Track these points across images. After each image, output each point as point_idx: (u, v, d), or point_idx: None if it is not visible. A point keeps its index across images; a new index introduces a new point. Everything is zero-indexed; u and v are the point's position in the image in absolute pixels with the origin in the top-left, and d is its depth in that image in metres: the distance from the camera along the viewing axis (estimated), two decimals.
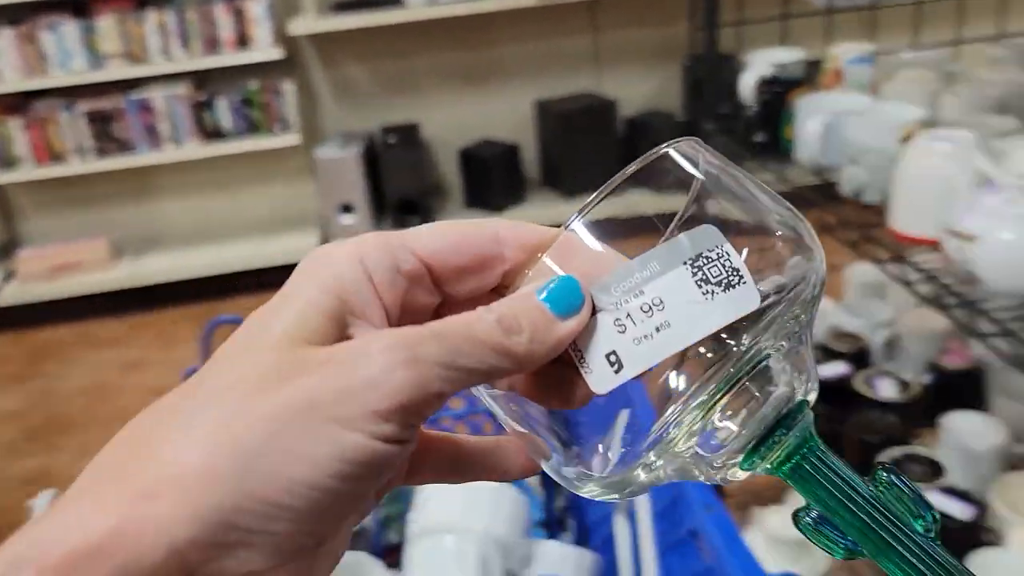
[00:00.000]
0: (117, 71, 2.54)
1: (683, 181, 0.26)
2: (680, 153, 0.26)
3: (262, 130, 2.67)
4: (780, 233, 0.26)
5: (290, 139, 2.66)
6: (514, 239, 0.27)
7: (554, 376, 0.26)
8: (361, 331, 0.24)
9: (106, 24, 2.51)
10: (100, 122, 2.60)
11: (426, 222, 0.27)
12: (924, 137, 0.99)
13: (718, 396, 0.25)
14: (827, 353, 1.42)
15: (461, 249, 0.27)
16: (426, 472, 0.29)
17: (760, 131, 1.30)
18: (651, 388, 0.26)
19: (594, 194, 0.26)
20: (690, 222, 0.25)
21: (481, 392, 0.28)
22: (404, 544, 0.76)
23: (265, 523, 0.22)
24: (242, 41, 2.56)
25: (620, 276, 0.25)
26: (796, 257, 0.26)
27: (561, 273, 0.25)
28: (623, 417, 0.26)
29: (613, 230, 0.26)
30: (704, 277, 0.25)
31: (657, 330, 0.24)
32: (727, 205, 0.26)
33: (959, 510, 1.07)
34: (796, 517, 0.27)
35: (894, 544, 0.25)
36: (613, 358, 0.25)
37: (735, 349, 0.25)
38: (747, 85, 1.35)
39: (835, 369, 1.36)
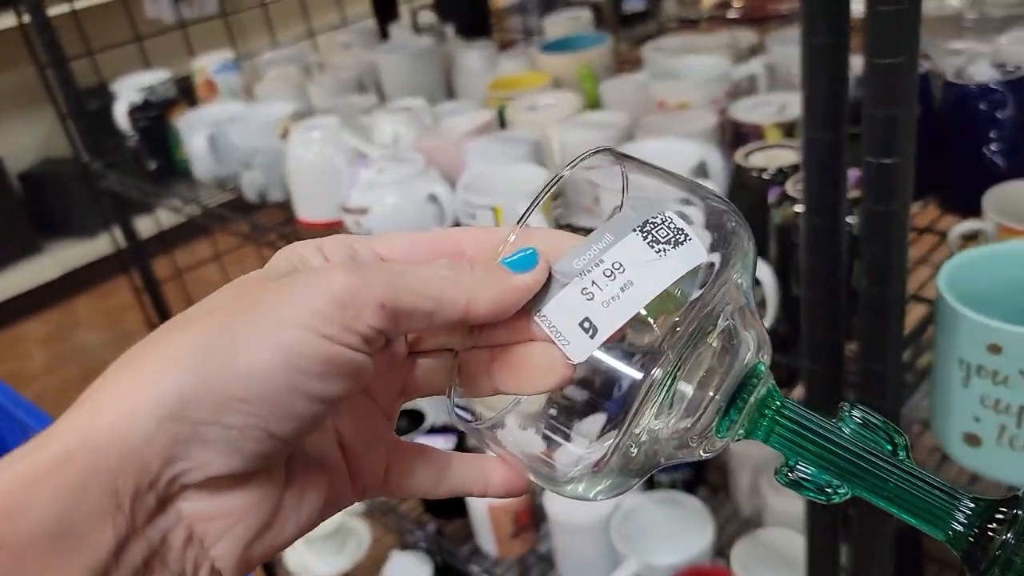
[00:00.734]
0: None
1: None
2: (601, 159, 0.29)
3: None
4: (707, 205, 0.28)
5: None
6: (472, 240, 0.29)
7: (527, 361, 0.27)
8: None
9: None
10: None
11: None
12: (298, 129, 1.04)
13: (688, 348, 0.26)
14: None
15: (418, 247, 0.28)
16: (408, 479, 0.30)
17: (150, 159, 1.25)
18: (624, 362, 0.26)
19: (536, 196, 0.28)
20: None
21: (467, 426, 0.29)
22: None
23: (216, 413, 0.23)
24: None
25: (579, 251, 0.27)
26: (727, 223, 0.28)
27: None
28: (604, 389, 0.27)
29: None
30: (654, 239, 0.27)
31: (622, 290, 0.26)
32: (656, 190, 0.29)
33: None
34: (777, 475, 0.28)
35: (880, 475, 0.26)
36: (587, 324, 0.26)
37: (696, 306, 0.26)
38: (121, 114, 1.28)
39: None
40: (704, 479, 1.13)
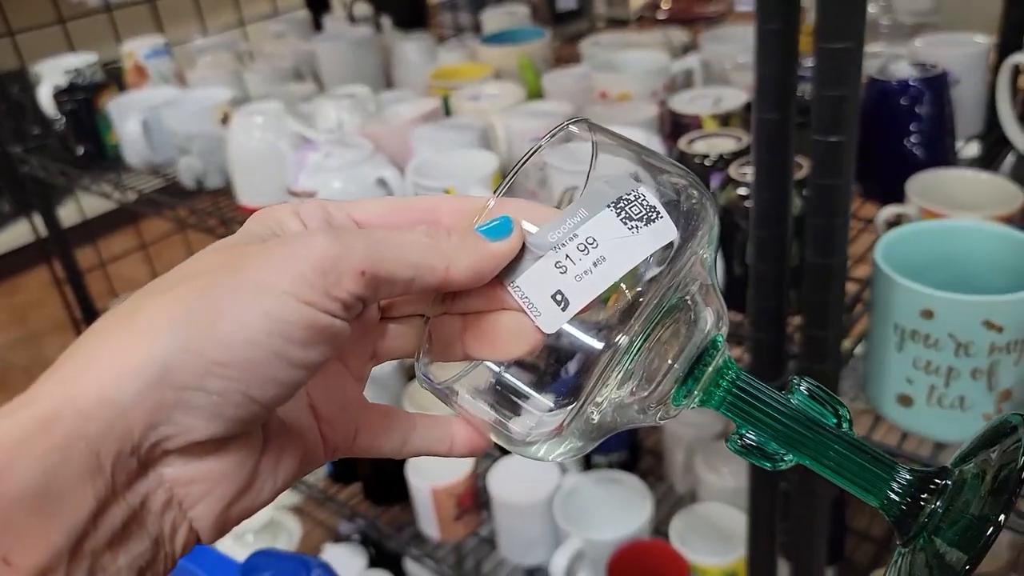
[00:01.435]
0: None
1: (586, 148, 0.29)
2: (578, 128, 0.30)
3: None
4: (676, 182, 0.29)
5: None
6: (449, 208, 0.29)
7: (497, 329, 0.27)
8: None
9: None
10: None
11: None
12: (240, 114, 1.03)
13: (654, 323, 0.27)
14: None
15: (396, 213, 0.29)
16: (376, 441, 0.31)
17: (79, 143, 1.22)
18: (590, 334, 0.27)
19: (515, 165, 0.29)
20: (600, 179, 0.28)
21: (433, 388, 0.29)
22: None
23: (200, 379, 0.23)
24: None
25: (554, 225, 0.27)
26: (694, 201, 0.29)
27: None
28: (571, 359, 0.27)
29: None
30: (628, 215, 0.27)
31: (595, 264, 0.27)
32: (628, 164, 0.29)
33: None
34: (728, 442, 0.29)
35: (824, 445, 0.28)
36: (559, 296, 0.27)
37: (663, 282, 0.27)
38: (46, 97, 1.24)
39: None
40: (640, 459, 1.17)
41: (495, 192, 0.29)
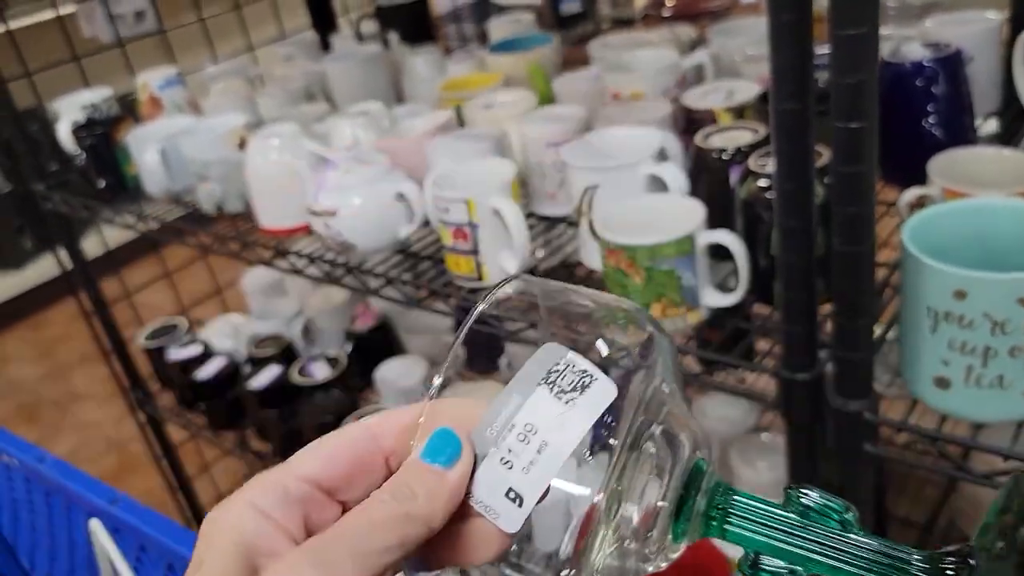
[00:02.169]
0: None
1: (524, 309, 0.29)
2: (514, 288, 0.30)
3: None
4: (622, 323, 0.29)
5: None
6: (388, 428, 0.29)
7: (464, 538, 0.27)
8: (272, 565, 0.25)
9: None
10: None
11: None
12: (256, 137, 1.04)
13: (622, 472, 0.27)
14: (255, 363, 1.44)
15: (338, 458, 0.28)
16: None
17: (100, 176, 1.23)
18: (561, 509, 0.26)
19: (448, 356, 0.28)
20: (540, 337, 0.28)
21: None
22: None
23: None
24: None
25: (489, 419, 0.27)
26: (645, 331, 0.29)
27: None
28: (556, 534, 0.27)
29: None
30: (560, 389, 0.27)
31: (539, 452, 0.26)
32: (565, 313, 0.29)
33: None
34: (739, 568, 0.28)
35: (833, 556, 0.27)
36: (512, 494, 0.26)
37: (621, 435, 0.27)
38: (65, 133, 1.26)
39: (270, 374, 1.40)
40: None
41: (429, 396, 0.28)
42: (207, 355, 1.47)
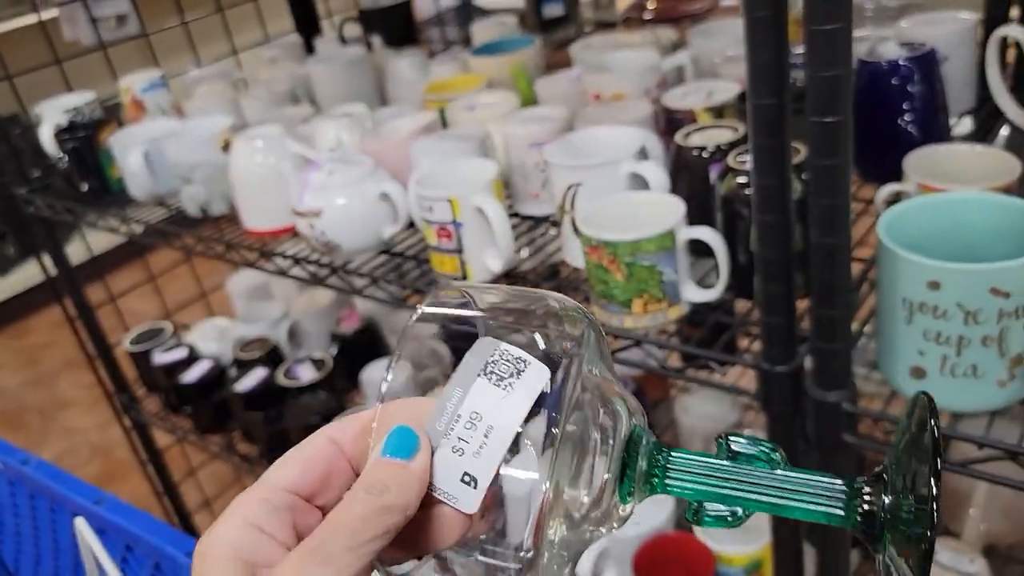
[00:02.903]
0: None
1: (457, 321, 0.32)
2: (434, 305, 0.32)
3: None
4: (549, 313, 0.31)
5: None
6: (346, 433, 0.32)
7: (429, 525, 0.29)
8: (274, 569, 0.27)
9: None
10: None
11: None
12: (240, 139, 1.05)
13: (565, 455, 0.29)
14: (241, 365, 1.44)
15: (311, 465, 0.31)
16: None
17: (83, 180, 1.23)
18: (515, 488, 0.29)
19: (389, 365, 0.31)
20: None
21: None
22: None
23: None
24: None
25: (437, 414, 0.29)
26: (567, 322, 0.31)
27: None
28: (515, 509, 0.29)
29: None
30: (498, 376, 0.29)
31: (486, 436, 0.29)
32: (498, 316, 0.32)
33: None
34: (686, 515, 0.31)
35: (763, 492, 0.30)
36: (467, 478, 0.29)
37: (561, 415, 0.29)
38: (47, 137, 1.26)
39: (256, 376, 1.40)
40: None
41: (379, 400, 0.31)
42: (193, 359, 1.47)
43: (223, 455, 1.46)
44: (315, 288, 1.55)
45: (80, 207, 1.24)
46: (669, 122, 0.94)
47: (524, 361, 0.30)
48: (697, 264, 0.80)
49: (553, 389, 0.29)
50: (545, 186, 0.92)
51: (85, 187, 1.24)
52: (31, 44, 1.38)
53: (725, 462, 0.31)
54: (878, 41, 0.92)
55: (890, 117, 0.86)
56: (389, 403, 0.31)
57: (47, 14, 1.41)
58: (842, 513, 0.29)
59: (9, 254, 2.88)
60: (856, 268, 0.77)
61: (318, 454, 0.31)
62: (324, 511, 0.30)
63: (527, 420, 0.29)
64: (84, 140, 1.21)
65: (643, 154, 0.85)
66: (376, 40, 1.46)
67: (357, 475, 0.31)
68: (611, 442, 0.31)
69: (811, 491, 0.30)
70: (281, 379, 1.39)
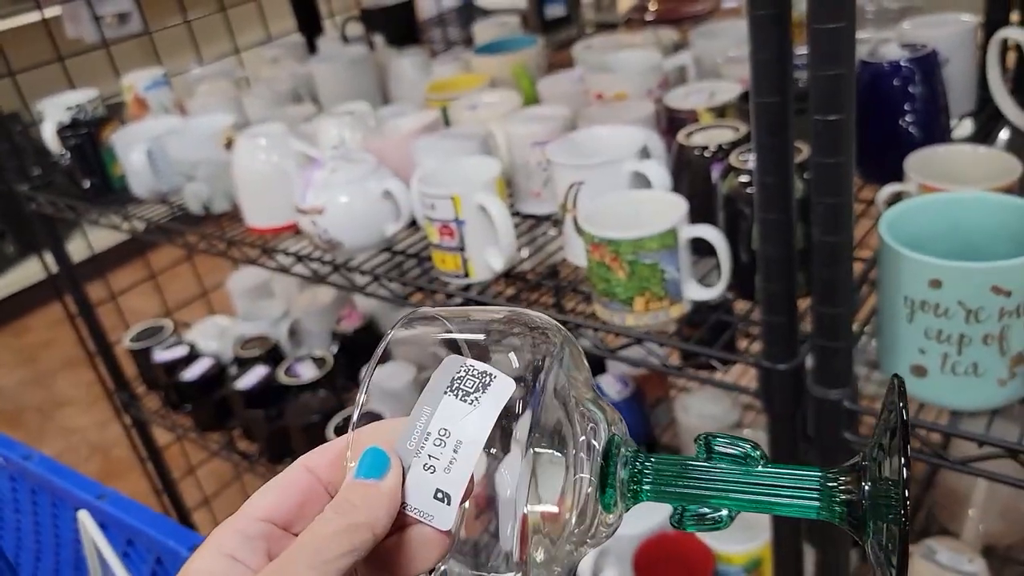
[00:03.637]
0: None
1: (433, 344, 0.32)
2: (404, 328, 0.32)
3: None
4: (519, 329, 0.32)
5: None
6: (322, 461, 0.32)
7: (407, 547, 0.29)
8: None
9: None
10: None
11: None
12: (243, 137, 1.05)
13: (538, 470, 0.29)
14: (242, 363, 1.44)
15: (287, 494, 0.31)
16: None
17: (85, 177, 1.23)
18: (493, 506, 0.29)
19: (359, 392, 0.31)
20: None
21: None
22: None
23: None
24: None
25: (407, 434, 0.30)
26: (537, 334, 0.31)
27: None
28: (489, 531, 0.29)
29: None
30: (464, 392, 0.30)
31: (455, 451, 0.29)
32: (471, 332, 0.32)
33: None
34: (671, 521, 0.31)
35: (741, 491, 0.30)
36: (439, 495, 0.29)
37: (536, 429, 0.29)
38: (49, 134, 1.26)
39: (256, 374, 1.40)
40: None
41: (351, 427, 0.31)
42: (193, 356, 1.47)
43: (223, 453, 1.46)
44: (316, 286, 1.55)
45: (82, 204, 1.25)
46: (671, 122, 0.95)
47: (490, 375, 0.30)
48: (699, 265, 0.80)
49: (528, 402, 0.30)
50: (547, 185, 0.92)
51: (87, 184, 1.24)
52: (34, 41, 1.38)
53: (703, 463, 0.31)
54: (879, 43, 0.92)
55: (891, 118, 0.86)
56: (361, 429, 0.31)
57: (50, 12, 1.41)
58: (817, 504, 0.29)
59: (8, 252, 2.88)
60: (856, 268, 0.77)
61: (293, 482, 0.32)
62: None
63: (512, 427, 0.29)
64: (86, 137, 1.22)
65: (645, 153, 0.86)
66: (378, 40, 1.46)
67: None
68: (591, 453, 0.31)
69: (787, 486, 0.30)
70: (282, 377, 1.39)
